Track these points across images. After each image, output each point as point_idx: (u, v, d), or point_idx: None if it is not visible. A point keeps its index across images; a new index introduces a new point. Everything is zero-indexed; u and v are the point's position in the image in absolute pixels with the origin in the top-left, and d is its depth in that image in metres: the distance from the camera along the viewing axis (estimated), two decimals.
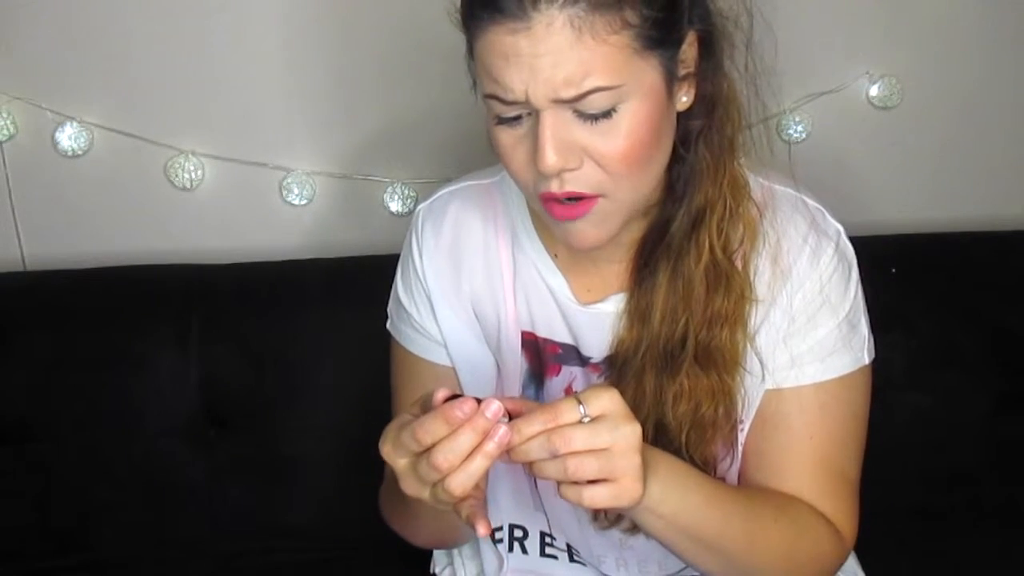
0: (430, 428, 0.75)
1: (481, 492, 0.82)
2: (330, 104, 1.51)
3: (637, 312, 0.95)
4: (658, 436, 0.94)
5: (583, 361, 1.01)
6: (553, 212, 0.87)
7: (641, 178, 0.87)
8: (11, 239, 1.51)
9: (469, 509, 0.79)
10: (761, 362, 0.95)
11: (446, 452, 0.75)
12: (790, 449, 0.96)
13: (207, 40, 1.46)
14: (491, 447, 0.75)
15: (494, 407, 0.75)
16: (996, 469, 1.45)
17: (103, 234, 1.52)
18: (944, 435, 1.44)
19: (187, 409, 1.38)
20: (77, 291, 1.42)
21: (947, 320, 1.44)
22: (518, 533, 1.09)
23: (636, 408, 0.94)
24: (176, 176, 1.49)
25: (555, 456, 0.76)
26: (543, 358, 1.02)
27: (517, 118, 0.84)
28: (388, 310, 1.10)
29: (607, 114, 0.82)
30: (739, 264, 0.93)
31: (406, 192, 1.53)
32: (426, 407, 0.79)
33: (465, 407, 0.75)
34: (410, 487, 0.79)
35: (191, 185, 1.50)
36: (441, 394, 0.79)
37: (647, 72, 0.82)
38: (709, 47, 0.88)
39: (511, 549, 1.09)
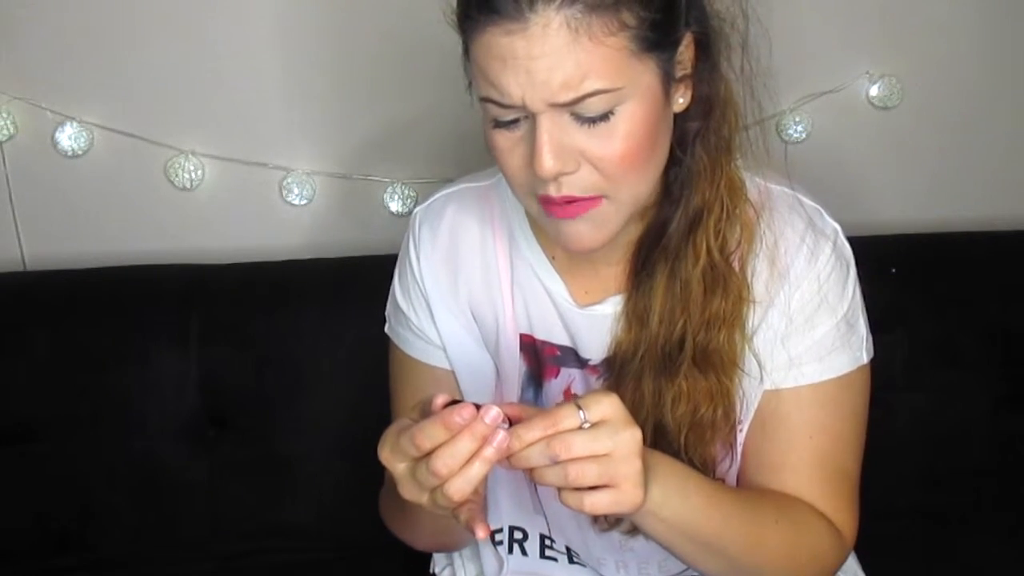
0: (430, 433, 0.75)
1: (480, 496, 0.81)
2: (330, 104, 1.51)
3: (635, 314, 0.95)
4: (657, 438, 0.94)
5: (581, 363, 1.00)
6: (551, 211, 0.86)
7: (639, 181, 0.86)
8: (11, 239, 1.51)
9: (468, 514, 0.79)
10: (759, 363, 0.95)
11: (445, 458, 0.74)
12: (790, 449, 0.96)
13: (207, 40, 1.46)
14: (490, 452, 0.75)
15: (493, 413, 0.75)
16: (996, 469, 1.45)
17: (103, 234, 1.52)
18: (944, 435, 1.44)
19: (187, 409, 1.38)
20: (77, 291, 1.42)
21: (947, 320, 1.44)
22: (518, 535, 1.09)
23: (635, 410, 0.93)
24: (176, 176, 1.49)
25: (555, 462, 0.76)
26: (541, 360, 1.02)
27: (514, 121, 0.83)
28: (386, 313, 1.10)
29: (604, 117, 0.81)
30: (736, 266, 0.93)
31: (406, 192, 1.53)
32: (425, 412, 0.79)
33: (464, 413, 0.74)
34: (409, 492, 0.79)
35: (191, 185, 1.50)
36: (440, 399, 0.78)
37: (644, 74, 0.82)
38: (706, 49, 0.88)
39: (511, 551, 1.09)
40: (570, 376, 1.02)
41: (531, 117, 0.82)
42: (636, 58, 0.81)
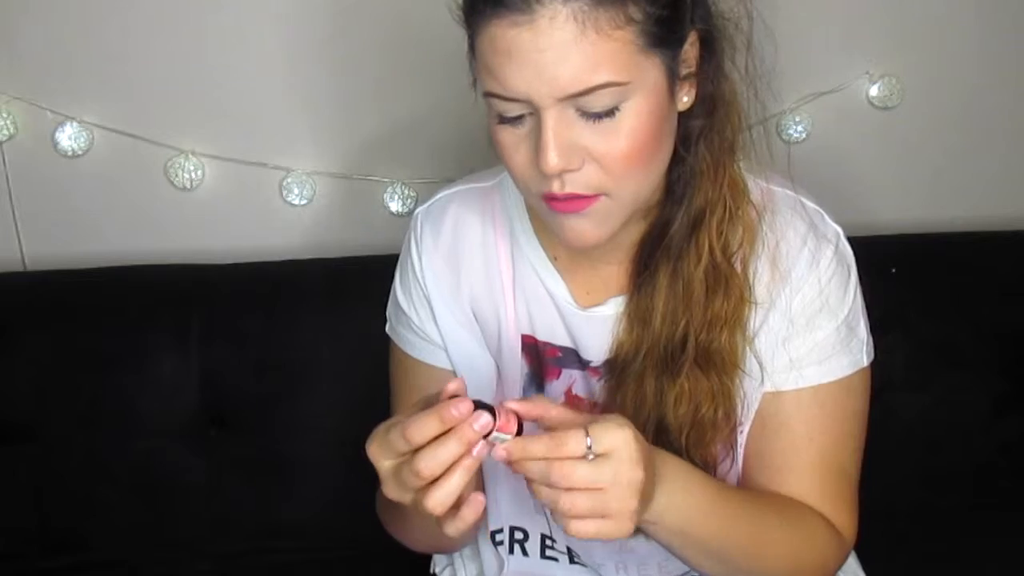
0: (422, 425, 0.75)
1: (474, 513, 0.80)
2: (330, 104, 1.51)
3: (637, 314, 0.95)
4: (659, 437, 0.94)
5: (583, 364, 1.00)
6: (554, 206, 0.86)
7: (642, 178, 0.86)
8: (11, 239, 1.51)
9: (456, 527, 0.79)
10: (760, 365, 0.95)
11: (427, 459, 0.74)
12: (791, 451, 0.96)
13: (207, 40, 1.46)
14: (469, 462, 0.75)
15: (482, 420, 0.75)
16: (996, 469, 1.45)
17: (103, 234, 1.52)
18: (944, 435, 1.44)
19: (187, 409, 1.38)
20: (77, 291, 1.42)
21: (947, 320, 1.44)
22: (518, 535, 1.08)
23: (637, 410, 0.94)
24: (176, 176, 1.49)
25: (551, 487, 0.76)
26: (543, 361, 1.02)
27: (519, 117, 0.83)
28: (387, 313, 1.10)
29: (610, 113, 0.81)
30: (738, 267, 0.93)
31: (406, 192, 1.53)
32: (428, 406, 0.78)
33: (461, 407, 0.74)
34: (392, 491, 0.79)
35: (191, 185, 1.50)
36: (453, 385, 0.78)
37: (650, 70, 0.82)
38: (710, 47, 0.88)
39: (511, 551, 1.08)
40: (571, 377, 1.02)
41: (536, 113, 0.82)
42: (642, 54, 0.81)
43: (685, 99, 0.88)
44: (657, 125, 0.84)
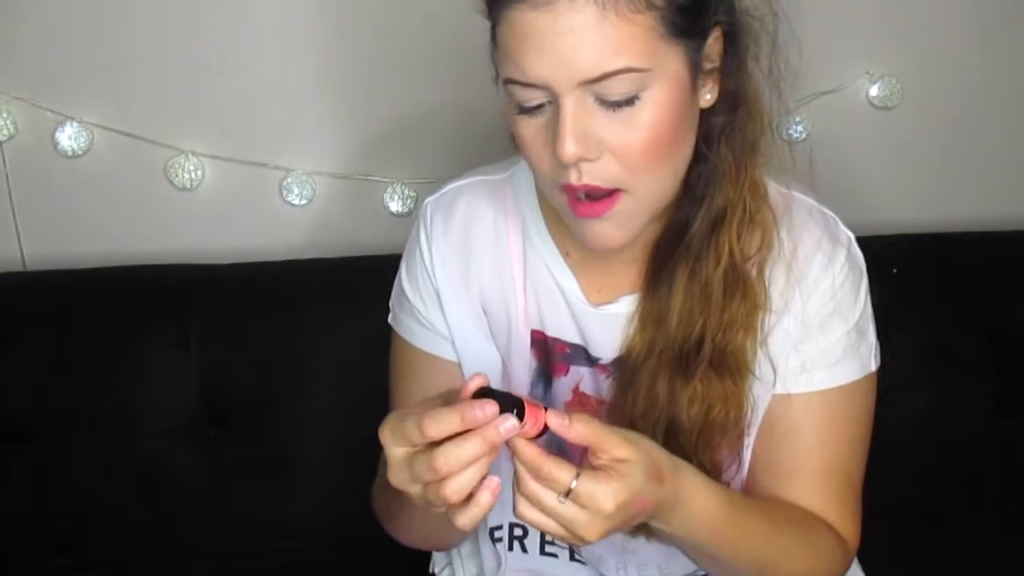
0: (441, 421, 0.72)
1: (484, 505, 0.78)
2: (330, 104, 1.51)
3: (651, 314, 0.94)
4: (669, 438, 0.93)
5: (591, 361, 1.00)
6: (576, 210, 0.85)
7: (660, 173, 0.85)
8: (11, 239, 1.51)
9: (468, 516, 0.77)
10: (773, 368, 0.95)
11: (448, 456, 0.72)
12: (800, 456, 0.96)
13: (207, 40, 1.46)
14: (484, 463, 0.74)
15: (508, 424, 0.73)
16: (996, 469, 1.45)
17: (103, 234, 1.52)
18: (944, 435, 1.44)
19: (187, 409, 1.38)
20: (77, 291, 1.42)
21: (947, 320, 1.44)
22: (518, 532, 1.08)
23: (649, 410, 0.93)
24: (176, 176, 1.49)
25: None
26: (551, 357, 1.01)
27: (538, 107, 0.82)
28: (390, 304, 1.09)
29: (630, 101, 0.80)
30: (754, 270, 0.93)
31: (406, 192, 1.53)
32: (450, 401, 0.77)
33: (487, 409, 0.72)
34: (398, 479, 0.77)
35: (191, 185, 1.50)
36: (477, 381, 0.76)
37: (672, 60, 0.81)
38: (733, 44, 0.87)
39: (511, 548, 1.08)
40: (579, 374, 1.01)
41: (555, 101, 0.81)
42: (664, 41, 0.80)
43: (708, 96, 0.87)
44: (677, 118, 0.83)
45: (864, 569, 1.16)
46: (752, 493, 0.98)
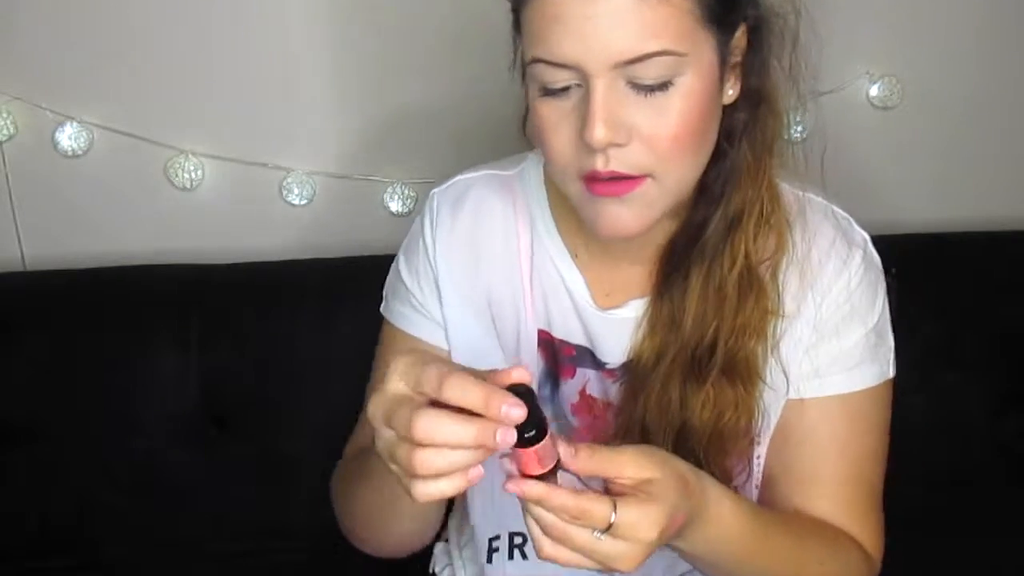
0: (465, 388, 0.64)
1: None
2: (330, 104, 1.51)
3: (663, 318, 0.92)
4: (679, 444, 0.92)
5: (598, 365, 0.98)
6: (594, 189, 0.82)
7: (688, 164, 0.83)
8: (11, 239, 1.51)
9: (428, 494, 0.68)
10: (785, 374, 0.93)
11: (430, 424, 0.64)
12: (819, 463, 0.94)
13: (207, 40, 1.46)
14: (468, 476, 0.66)
15: (508, 438, 0.64)
16: (997, 469, 1.45)
17: (103, 234, 1.52)
18: (944, 435, 1.44)
19: (187, 409, 1.38)
20: (77, 291, 1.42)
21: (947, 320, 1.44)
22: (518, 540, 1.06)
23: (660, 415, 0.91)
24: (176, 176, 1.49)
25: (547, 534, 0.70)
26: (558, 359, 0.99)
27: (564, 89, 0.80)
28: (384, 293, 1.07)
29: (663, 87, 0.78)
30: (768, 273, 0.91)
31: (406, 192, 1.53)
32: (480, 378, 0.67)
33: (512, 411, 0.63)
34: (376, 411, 0.69)
35: (191, 185, 1.50)
36: (518, 373, 0.67)
37: (705, 48, 0.80)
38: (758, 40, 0.86)
39: (511, 556, 1.05)
40: (585, 376, 0.99)
41: (584, 83, 0.79)
42: (700, 26, 0.78)
43: (730, 91, 0.86)
44: (708, 108, 0.81)
45: None
46: (771, 507, 0.95)
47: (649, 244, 0.93)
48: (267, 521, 1.40)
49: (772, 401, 0.94)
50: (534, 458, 0.68)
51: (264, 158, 1.51)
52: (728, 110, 0.87)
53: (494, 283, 0.99)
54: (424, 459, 0.65)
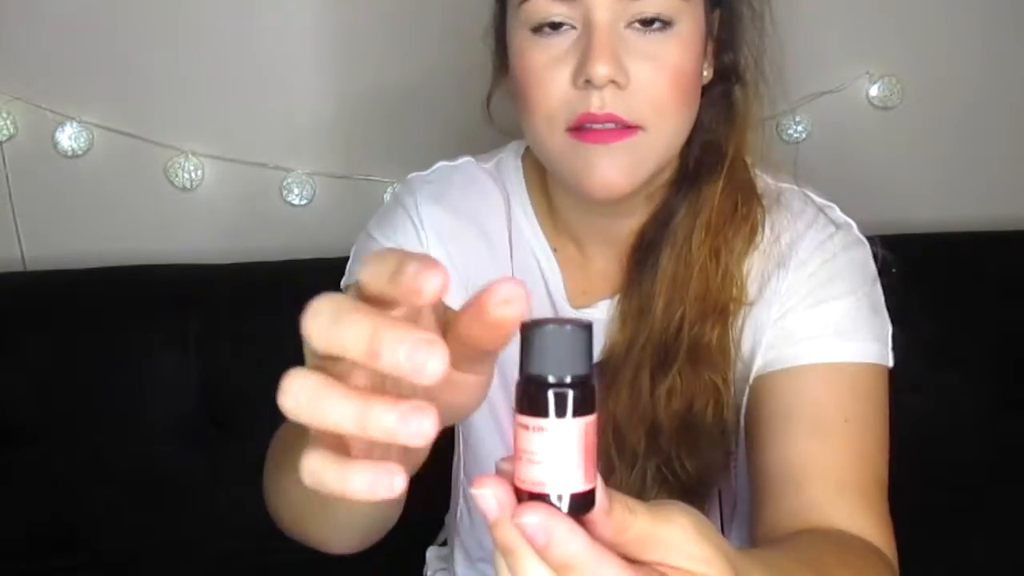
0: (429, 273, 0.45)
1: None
2: (330, 104, 1.51)
3: (633, 308, 0.92)
4: (651, 442, 0.90)
5: None
6: (584, 136, 0.81)
7: (678, 120, 0.84)
8: (11, 239, 1.51)
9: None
10: (752, 358, 0.90)
11: (394, 333, 0.45)
12: (824, 441, 0.86)
13: (207, 40, 1.46)
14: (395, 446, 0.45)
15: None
16: (997, 469, 1.45)
17: (103, 234, 1.52)
18: (944, 435, 1.44)
19: (187, 409, 1.38)
20: (77, 291, 1.42)
21: (947, 320, 1.44)
22: None
23: (632, 408, 0.90)
24: (176, 176, 1.49)
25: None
26: None
27: (557, 28, 0.80)
28: (347, 268, 1.03)
29: (664, 26, 0.80)
30: (735, 260, 0.90)
31: None
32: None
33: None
34: (321, 318, 0.50)
35: (191, 185, 1.50)
36: (510, 287, 0.47)
37: (698, 9, 0.82)
38: (731, 30, 0.88)
39: None
40: None
41: (584, 22, 0.79)
42: None
43: (705, 73, 0.87)
44: (697, 66, 0.83)
45: None
46: (779, 519, 0.84)
47: (621, 235, 0.92)
48: (267, 521, 1.40)
49: (742, 391, 0.91)
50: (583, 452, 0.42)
51: (264, 158, 1.51)
52: (704, 92, 0.88)
53: (475, 271, 0.97)
54: (367, 473, 0.46)
